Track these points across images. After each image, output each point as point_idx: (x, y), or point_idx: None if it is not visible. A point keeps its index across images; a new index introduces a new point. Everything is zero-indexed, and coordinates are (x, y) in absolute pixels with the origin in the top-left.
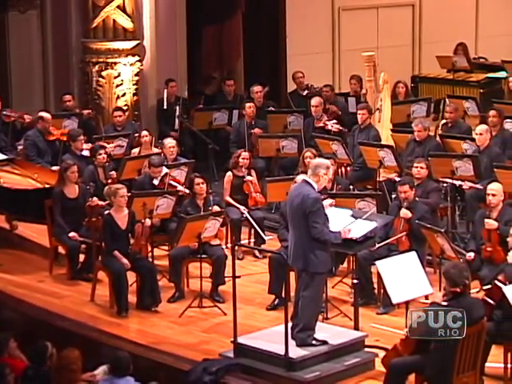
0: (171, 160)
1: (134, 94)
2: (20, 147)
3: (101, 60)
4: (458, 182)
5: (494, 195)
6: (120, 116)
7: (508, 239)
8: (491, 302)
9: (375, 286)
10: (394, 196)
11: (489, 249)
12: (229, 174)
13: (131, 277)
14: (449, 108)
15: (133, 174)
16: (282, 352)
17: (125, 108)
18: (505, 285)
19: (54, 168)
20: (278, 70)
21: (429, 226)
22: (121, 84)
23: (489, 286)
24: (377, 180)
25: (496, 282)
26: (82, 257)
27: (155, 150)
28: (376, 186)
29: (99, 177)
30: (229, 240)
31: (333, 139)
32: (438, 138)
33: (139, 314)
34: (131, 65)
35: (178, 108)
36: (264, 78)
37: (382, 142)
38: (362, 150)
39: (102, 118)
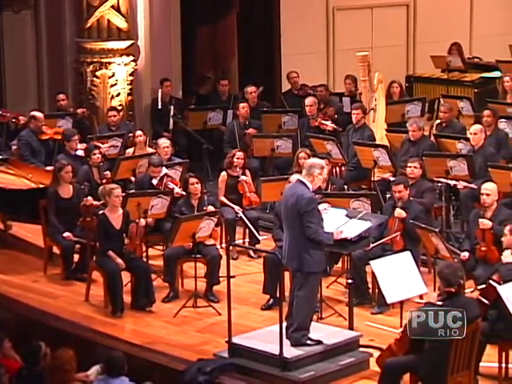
0: (165, 160)
1: (129, 94)
2: (14, 147)
3: (95, 60)
4: (452, 182)
5: (488, 195)
6: (114, 116)
7: (502, 239)
8: (486, 301)
9: (370, 285)
10: (388, 196)
11: (483, 248)
12: (223, 173)
13: (126, 277)
14: (443, 108)
15: (127, 174)
16: (277, 352)
17: (119, 108)
18: (499, 284)
19: (48, 168)
20: (273, 69)
21: (423, 225)
22: (115, 84)
23: (483, 286)
24: (371, 180)
25: (490, 281)
26: (76, 257)
27: (149, 150)
28: (371, 186)
29: (94, 177)
30: (223, 240)
31: (327, 139)
32: (432, 138)
33: (134, 314)
34: (125, 65)
35: (172, 108)
36: (258, 77)
37: (377, 142)
38: (356, 150)
39: (97, 117)
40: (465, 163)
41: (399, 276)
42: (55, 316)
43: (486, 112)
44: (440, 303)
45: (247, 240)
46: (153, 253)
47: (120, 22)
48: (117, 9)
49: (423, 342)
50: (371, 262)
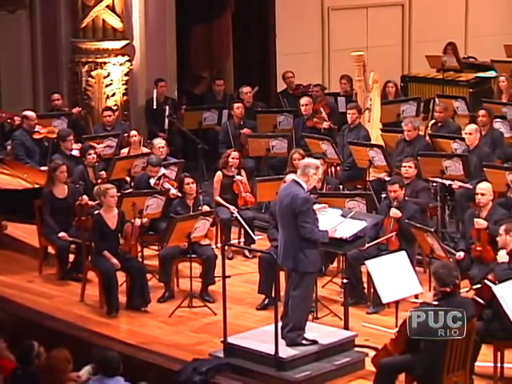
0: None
1: (124, 94)
2: (9, 147)
3: (90, 60)
4: (447, 182)
5: (483, 194)
6: (110, 116)
7: (497, 238)
8: (481, 301)
9: (365, 285)
10: (383, 196)
11: (478, 248)
12: (218, 173)
13: (121, 277)
14: (438, 107)
15: (122, 174)
16: (272, 352)
17: (114, 108)
18: (494, 284)
19: (43, 168)
20: (268, 69)
21: (418, 225)
22: (110, 84)
23: (479, 286)
24: (367, 180)
25: (486, 281)
26: (71, 257)
27: (144, 150)
28: (366, 186)
29: (89, 177)
30: (219, 240)
31: (322, 139)
32: (427, 138)
33: (129, 314)
34: (121, 65)
35: (167, 108)
36: (253, 77)
37: (372, 142)
38: (351, 150)
39: (92, 117)
40: (460, 163)
41: (394, 276)
42: (50, 316)
43: (481, 112)
44: (436, 303)
45: (242, 240)
46: (148, 253)
47: (115, 22)
48: (112, 9)
49: (419, 342)
50: (366, 261)
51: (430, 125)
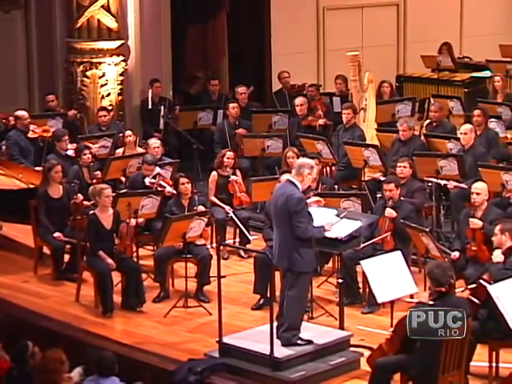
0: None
1: (119, 94)
2: (3, 148)
3: (85, 60)
4: (442, 182)
5: (478, 194)
6: (105, 116)
7: (493, 238)
8: (476, 301)
9: (360, 285)
10: (379, 196)
11: (474, 248)
12: (214, 173)
13: (116, 277)
14: (433, 107)
15: (117, 174)
16: (268, 352)
17: (109, 108)
18: (490, 284)
19: (38, 168)
20: (263, 69)
21: (414, 225)
22: (105, 84)
23: (474, 286)
24: (362, 180)
25: (481, 281)
26: (66, 257)
27: (139, 150)
28: (361, 186)
29: (84, 177)
30: (214, 240)
31: (318, 139)
32: (422, 138)
33: (124, 314)
34: (116, 65)
35: (162, 108)
36: (249, 77)
37: (367, 142)
38: (346, 150)
39: (87, 117)
40: (455, 163)
41: (390, 276)
42: (45, 316)
43: (477, 112)
44: (431, 303)
45: (238, 240)
46: (143, 253)
47: (110, 22)
48: (107, 9)
49: (414, 342)
50: (362, 261)
51: (425, 125)
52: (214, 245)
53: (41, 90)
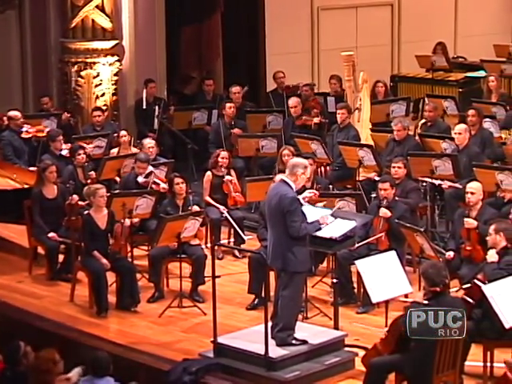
0: (150, 160)
1: (113, 94)
2: None
3: (80, 60)
4: (437, 181)
5: (472, 193)
6: (99, 116)
7: (487, 238)
8: (471, 301)
9: (355, 285)
10: (373, 196)
11: (468, 248)
12: (208, 173)
13: (111, 277)
14: (428, 107)
15: (112, 174)
16: (262, 352)
17: (104, 108)
18: (484, 284)
19: (32, 168)
20: (258, 69)
21: (408, 225)
22: (100, 84)
23: (468, 285)
24: (356, 180)
25: (475, 281)
26: (61, 257)
27: (134, 150)
28: (356, 186)
29: (78, 177)
30: (208, 240)
31: (312, 138)
32: (417, 138)
33: (119, 314)
34: (110, 65)
35: (157, 108)
36: (243, 77)
37: (362, 142)
38: (341, 150)
39: (81, 117)
40: (449, 163)
41: (384, 275)
42: (40, 316)
43: (471, 111)
44: (426, 302)
45: (232, 240)
46: (138, 253)
47: (104, 22)
48: (101, 9)
49: (409, 342)
50: (356, 261)
51: (419, 124)
52: (209, 245)
53: (35, 90)
